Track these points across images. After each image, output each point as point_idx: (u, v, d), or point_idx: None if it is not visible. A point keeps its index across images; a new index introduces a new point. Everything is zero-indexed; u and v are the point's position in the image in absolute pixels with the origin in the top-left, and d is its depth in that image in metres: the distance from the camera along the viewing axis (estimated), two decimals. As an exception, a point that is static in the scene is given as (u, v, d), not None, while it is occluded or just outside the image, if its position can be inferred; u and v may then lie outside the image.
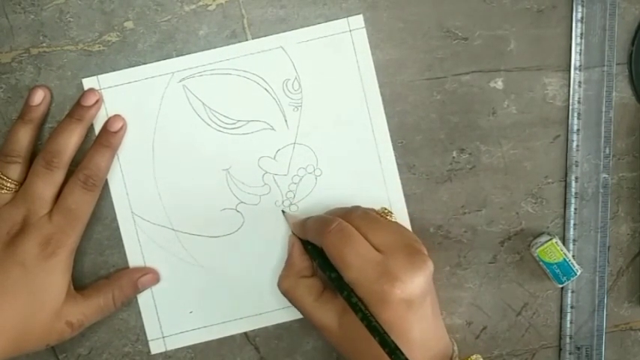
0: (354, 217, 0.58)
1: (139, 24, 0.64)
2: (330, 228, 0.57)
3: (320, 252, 0.59)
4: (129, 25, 0.64)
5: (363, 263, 0.55)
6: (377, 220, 0.60)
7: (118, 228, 0.64)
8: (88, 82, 0.63)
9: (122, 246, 0.64)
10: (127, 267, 0.64)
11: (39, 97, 0.62)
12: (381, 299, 0.54)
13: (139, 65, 0.64)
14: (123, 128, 0.63)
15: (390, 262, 0.55)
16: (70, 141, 0.61)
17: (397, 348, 0.51)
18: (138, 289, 0.64)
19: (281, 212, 0.65)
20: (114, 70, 0.63)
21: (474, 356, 0.58)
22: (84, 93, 0.63)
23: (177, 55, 0.64)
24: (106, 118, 0.63)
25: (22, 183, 0.61)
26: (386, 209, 0.63)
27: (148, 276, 0.64)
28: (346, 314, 0.56)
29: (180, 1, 0.64)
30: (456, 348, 0.59)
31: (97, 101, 0.62)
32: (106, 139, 0.62)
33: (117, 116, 0.63)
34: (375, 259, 0.55)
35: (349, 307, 0.55)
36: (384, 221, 0.60)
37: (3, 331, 0.57)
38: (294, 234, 0.63)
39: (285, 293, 0.61)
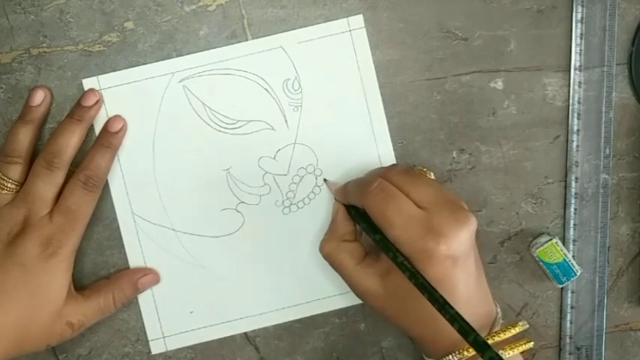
0: (393, 174, 0.58)
1: (139, 24, 0.64)
2: (371, 188, 0.56)
3: (363, 215, 0.59)
4: (129, 25, 0.64)
5: (406, 221, 0.54)
6: (417, 176, 0.59)
7: (118, 228, 0.64)
8: (88, 83, 0.63)
9: (122, 246, 0.64)
10: (128, 267, 0.64)
11: (39, 97, 0.62)
12: (426, 256, 0.53)
13: (139, 65, 0.64)
14: (123, 129, 0.63)
15: (433, 218, 0.54)
16: (71, 141, 0.61)
17: (446, 303, 0.51)
18: (138, 290, 0.64)
19: (282, 213, 0.65)
20: (114, 70, 0.63)
21: (521, 322, 0.57)
22: (84, 93, 0.63)
23: (177, 56, 0.64)
24: (106, 119, 0.63)
25: (22, 183, 0.61)
26: (424, 168, 0.62)
27: (148, 276, 0.64)
28: (389, 276, 0.56)
29: (180, 1, 0.64)
30: (499, 310, 0.58)
31: (97, 102, 0.62)
32: (107, 139, 0.62)
33: (117, 117, 0.63)
34: (418, 216, 0.54)
35: (396, 267, 0.54)
36: (424, 178, 0.59)
37: (4, 331, 0.57)
38: (337, 200, 0.63)
39: (327, 257, 0.61)
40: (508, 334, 0.56)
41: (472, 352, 0.54)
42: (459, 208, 0.56)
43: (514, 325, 0.56)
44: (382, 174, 0.58)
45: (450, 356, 0.55)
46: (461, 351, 0.54)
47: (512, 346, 0.55)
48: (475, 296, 0.56)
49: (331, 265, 0.61)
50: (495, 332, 0.55)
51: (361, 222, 0.60)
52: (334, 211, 0.63)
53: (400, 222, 0.54)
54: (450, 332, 0.51)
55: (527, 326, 0.57)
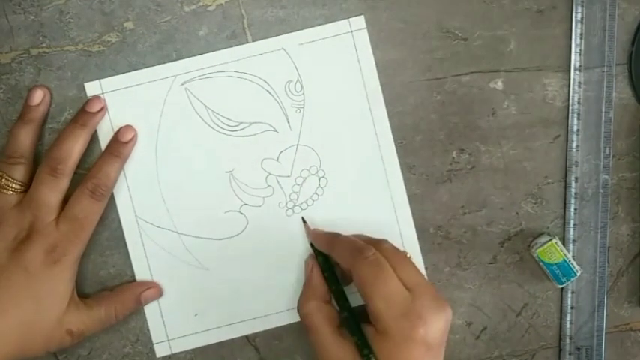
0: (384, 249, 0.58)
1: (139, 24, 0.63)
2: (366, 255, 0.56)
3: (330, 265, 0.61)
4: (129, 25, 0.63)
5: (392, 297, 0.54)
6: (405, 257, 0.59)
7: (117, 228, 0.64)
8: (90, 87, 0.63)
9: (122, 246, 0.64)
10: (129, 268, 0.64)
11: (38, 97, 0.62)
12: (403, 336, 0.53)
13: (140, 66, 0.63)
14: (134, 139, 0.63)
15: (417, 301, 0.54)
16: (75, 147, 0.60)
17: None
18: (140, 304, 0.64)
19: (285, 215, 0.65)
20: (114, 70, 0.63)
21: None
22: (89, 100, 0.63)
23: (177, 56, 0.64)
24: (108, 122, 0.63)
25: (27, 183, 0.61)
26: (408, 253, 0.62)
27: (151, 290, 0.64)
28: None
29: (180, 1, 0.63)
30: None
31: (101, 108, 0.62)
32: (117, 149, 0.62)
33: (128, 127, 0.63)
34: (403, 294, 0.55)
35: (345, 325, 0.57)
36: (411, 261, 0.59)
37: (6, 335, 0.57)
38: (312, 247, 0.63)
39: (305, 316, 0.59)
40: None
41: None
42: (439, 296, 0.56)
43: None
44: (373, 244, 0.58)
45: None
46: None
47: None
48: None
49: (306, 327, 0.59)
50: None
51: (325, 270, 0.61)
52: (308, 269, 0.62)
53: (386, 296, 0.54)
54: None
55: None
